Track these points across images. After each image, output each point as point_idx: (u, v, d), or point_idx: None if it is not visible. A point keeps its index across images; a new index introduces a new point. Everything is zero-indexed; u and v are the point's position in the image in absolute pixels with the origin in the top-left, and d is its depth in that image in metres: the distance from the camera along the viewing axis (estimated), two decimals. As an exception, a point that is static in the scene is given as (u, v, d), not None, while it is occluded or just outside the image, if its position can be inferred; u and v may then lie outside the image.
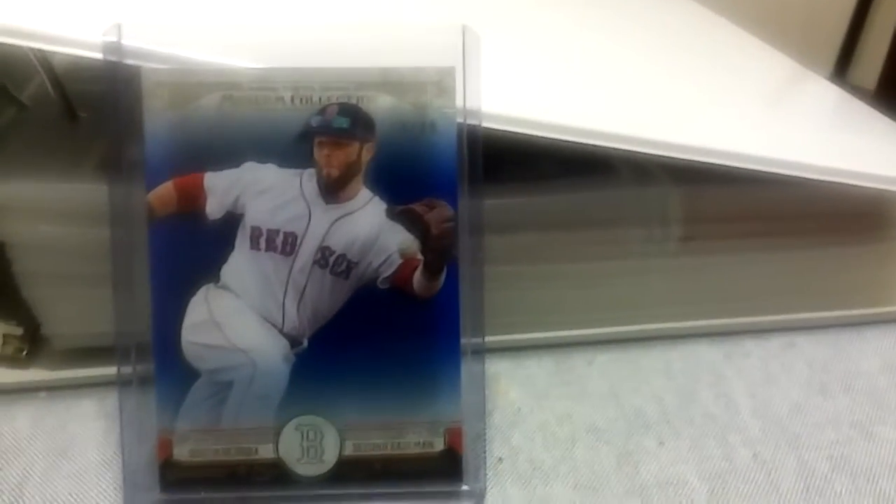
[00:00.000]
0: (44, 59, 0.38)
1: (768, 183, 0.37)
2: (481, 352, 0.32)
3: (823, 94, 0.53)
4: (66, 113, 0.39)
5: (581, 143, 0.35)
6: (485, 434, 0.33)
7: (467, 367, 0.32)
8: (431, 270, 0.31)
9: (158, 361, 0.31)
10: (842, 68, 1.71)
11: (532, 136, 0.34)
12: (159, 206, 0.31)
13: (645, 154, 0.36)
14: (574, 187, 0.38)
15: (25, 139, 0.38)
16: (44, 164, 0.36)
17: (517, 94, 0.35)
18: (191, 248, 0.31)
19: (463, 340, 0.32)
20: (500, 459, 0.35)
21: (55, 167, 0.36)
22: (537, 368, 0.40)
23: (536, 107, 0.35)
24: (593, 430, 0.36)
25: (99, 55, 0.30)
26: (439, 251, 0.31)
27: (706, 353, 0.41)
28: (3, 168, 0.35)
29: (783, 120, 0.44)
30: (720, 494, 0.33)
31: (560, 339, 0.41)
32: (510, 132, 0.33)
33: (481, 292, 0.32)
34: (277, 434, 0.31)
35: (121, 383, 0.32)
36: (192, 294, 0.31)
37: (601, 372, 0.40)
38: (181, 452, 0.31)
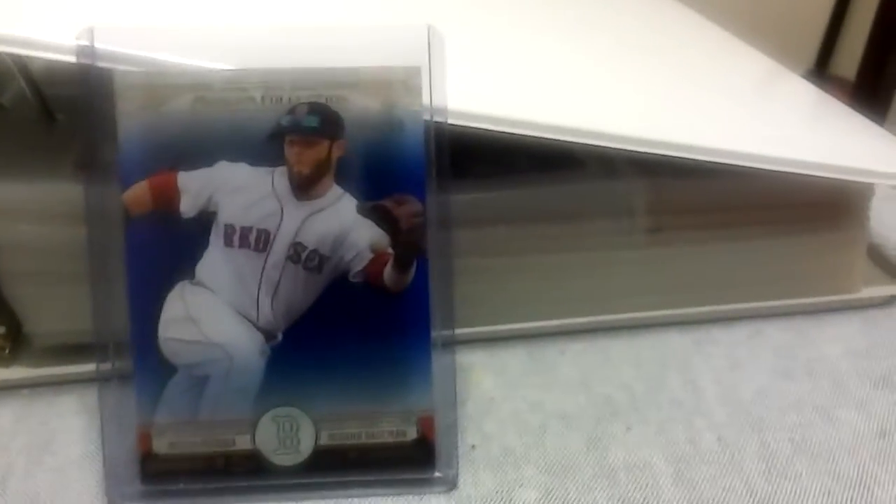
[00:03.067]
0: (21, 63, 0.39)
1: (732, 175, 0.38)
2: (451, 344, 0.33)
3: (795, 90, 0.54)
4: (43, 115, 0.40)
5: (545, 139, 0.36)
6: (457, 422, 0.35)
7: (438, 359, 0.33)
8: (402, 264, 0.32)
9: (137, 357, 0.32)
10: (823, 59, 1.74)
11: (498, 132, 0.35)
12: (134, 206, 0.31)
13: (609, 148, 0.37)
14: (542, 181, 0.39)
15: (4, 141, 0.39)
16: (23, 166, 0.37)
17: (483, 91, 0.36)
18: (166, 247, 0.32)
19: (433, 333, 0.33)
20: (473, 446, 0.36)
21: (34, 168, 0.36)
22: (510, 358, 0.41)
23: (502, 103, 0.36)
24: (564, 417, 0.37)
25: (72, 58, 0.31)
26: (409, 245, 0.32)
27: (675, 342, 0.42)
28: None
29: (749, 114, 0.45)
30: (685, 476, 0.35)
31: (532, 329, 0.42)
32: (476, 128, 0.34)
33: (451, 286, 0.33)
34: (254, 426, 0.32)
35: (100, 379, 0.32)
36: (169, 291, 0.32)
37: (572, 361, 0.41)
38: (160, 445, 0.32)
